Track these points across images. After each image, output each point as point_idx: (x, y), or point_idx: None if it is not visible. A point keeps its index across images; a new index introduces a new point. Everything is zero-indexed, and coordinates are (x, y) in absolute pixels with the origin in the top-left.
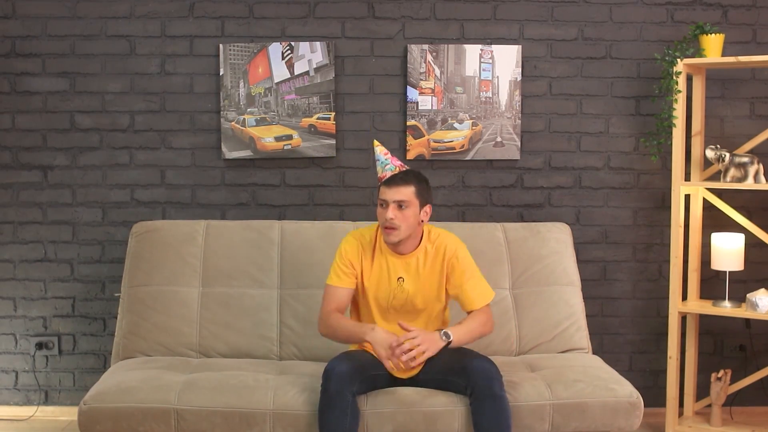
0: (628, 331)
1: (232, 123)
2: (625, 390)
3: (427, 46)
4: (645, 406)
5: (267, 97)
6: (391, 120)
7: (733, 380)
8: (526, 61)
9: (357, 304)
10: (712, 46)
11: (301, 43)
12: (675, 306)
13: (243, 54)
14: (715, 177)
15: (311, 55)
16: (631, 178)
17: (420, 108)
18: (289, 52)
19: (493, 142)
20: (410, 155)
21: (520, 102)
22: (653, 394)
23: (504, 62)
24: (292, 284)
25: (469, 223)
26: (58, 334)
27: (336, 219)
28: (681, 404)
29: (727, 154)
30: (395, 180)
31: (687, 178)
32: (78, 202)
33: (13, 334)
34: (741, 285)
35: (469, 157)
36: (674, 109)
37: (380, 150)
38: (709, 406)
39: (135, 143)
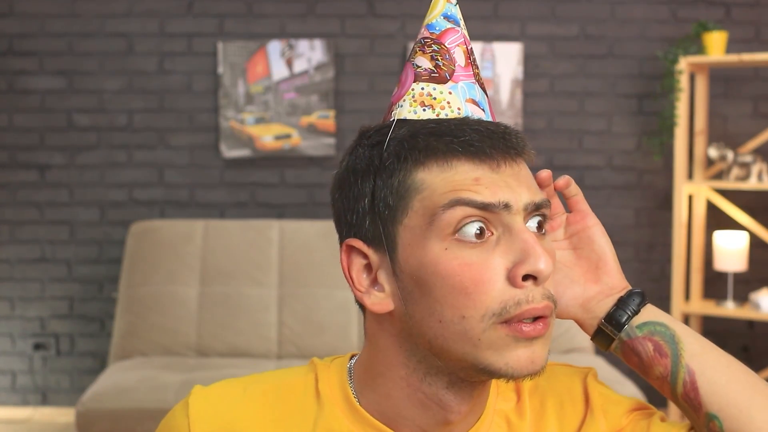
0: None
1: (231, 122)
2: (629, 391)
3: None
4: None
5: (266, 95)
6: None
7: None
8: (527, 60)
9: None
10: (715, 44)
11: (300, 41)
12: (678, 306)
13: (242, 52)
14: (718, 176)
15: (311, 53)
16: (634, 178)
17: None
18: (288, 50)
19: None
20: None
21: (521, 100)
22: (656, 395)
23: (505, 60)
24: (292, 284)
25: None
26: (55, 335)
27: None
28: None
29: (731, 153)
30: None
31: (690, 177)
32: (76, 201)
33: (11, 334)
34: (744, 285)
35: None
36: (677, 107)
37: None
38: None
39: (133, 142)
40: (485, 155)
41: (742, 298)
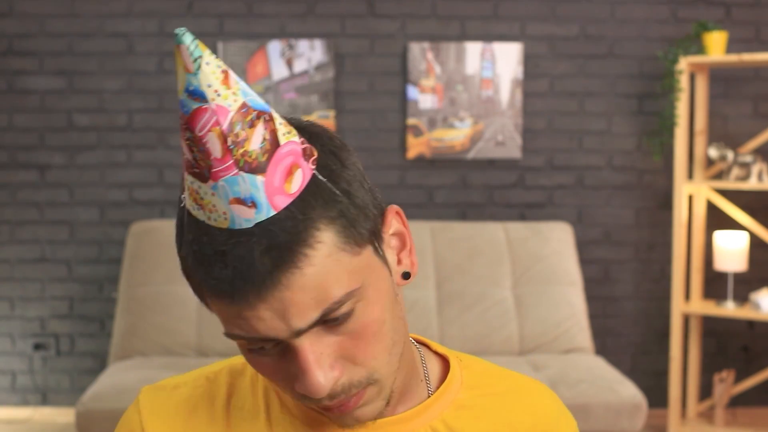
0: (630, 332)
1: None
2: (629, 391)
3: (427, 44)
4: (648, 407)
5: (266, 95)
6: (391, 119)
7: (736, 381)
8: (527, 59)
9: None
10: (715, 44)
11: (300, 41)
12: (678, 306)
13: (242, 52)
14: (718, 176)
15: (311, 53)
16: (634, 178)
17: (420, 107)
18: (288, 50)
19: (494, 141)
20: (410, 154)
21: (521, 100)
22: (656, 395)
23: (505, 60)
24: None
25: (470, 222)
26: (55, 335)
27: None
28: (684, 405)
29: (731, 153)
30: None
31: (690, 177)
32: (76, 201)
33: (11, 334)
34: (744, 285)
35: (470, 157)
36: (677, 107)
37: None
38: (713, 407)
39: (133, 142)
40: (239, 298)
41: (742, 298)
